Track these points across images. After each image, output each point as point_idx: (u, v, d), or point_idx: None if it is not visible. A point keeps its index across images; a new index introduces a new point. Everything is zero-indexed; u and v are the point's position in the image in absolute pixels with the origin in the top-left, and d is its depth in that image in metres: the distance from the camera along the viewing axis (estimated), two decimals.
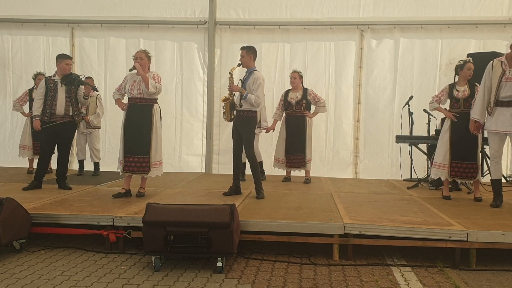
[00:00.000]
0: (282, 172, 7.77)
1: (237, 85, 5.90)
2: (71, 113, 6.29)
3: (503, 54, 6.82)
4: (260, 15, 8.85)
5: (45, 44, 9.28)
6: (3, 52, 9.39)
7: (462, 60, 6.04)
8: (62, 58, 6.30)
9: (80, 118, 6.53)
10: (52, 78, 6.31)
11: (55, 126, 6.20)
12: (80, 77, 6.39)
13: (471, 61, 5.97)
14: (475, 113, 5.49)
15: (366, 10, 8.63)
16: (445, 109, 6.11)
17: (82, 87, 6.37)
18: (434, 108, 6.21)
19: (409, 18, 8.51)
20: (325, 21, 8.68)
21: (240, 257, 4.41)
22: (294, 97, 7.38)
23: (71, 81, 6.23)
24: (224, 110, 5.91)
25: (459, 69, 5.98)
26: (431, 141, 7.08)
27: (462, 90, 5.93)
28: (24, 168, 8.29)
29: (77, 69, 9.23)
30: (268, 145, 8.64)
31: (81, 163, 8.14)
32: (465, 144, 5.91)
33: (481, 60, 6.91)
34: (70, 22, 9.16)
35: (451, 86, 6.05)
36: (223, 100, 5.85)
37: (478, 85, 5.76)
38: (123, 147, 5.76)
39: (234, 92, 5.88)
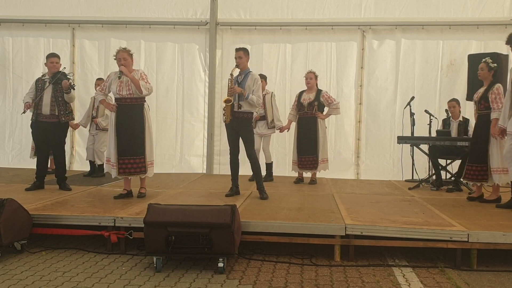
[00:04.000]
0: (292, 173, 7.78)
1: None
2: (56, 113, 6.18)
3: (505, 54, 6.85)
4: (261, 15, 8.84)
5: (45, 44, 9.28)
6: (3, 53, 9.39)
7: None
8: (48, 57, 6.25)
9: (67, 117, 6.32)
10: (42, 78, 6.28)
11: (44, 125, 6.15)
12: (69, 75, 6.24)
13: (487, 60, 5.81)
14: (502, 119, 5.37)
15: (367, 11, 8.62)
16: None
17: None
18: None
19: (410, 19, 8.51)
20: (327, 21, 8.68)
21: (241, 257, 4.41)
22: (307, 98, 7.33)
23: (56, 80, 6.13)
24: (225, 111, 5.86)
25: None
26: (433, 142, 7.08)
27: (478, 92, 5.88)
28: (25, 168, 8.29)
29: (77, 70, 9.25)
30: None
31: (91, 164, 8.08)
32: (476, 147, 5.90)
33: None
34: (71, 23, 9.16)
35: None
36: (225, 102, 5.78)
37: (496, 86, 5.65)
38: (115, 149, 5.61)
39: (234, 94, 5.82)
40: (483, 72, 5.80)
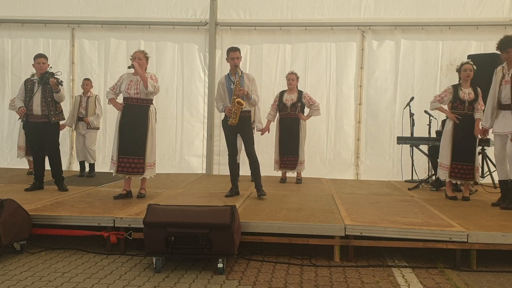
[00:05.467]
0: (279, 173, 7.78)
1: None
2: (47, 113, 6.15)
3: None
4: (261, 16, 8.85)
5: (45, 45, 9.27)
6: (2, 53, 9.38)
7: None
8: (35, 58, 6.22)
9: (57, 118, 6.27)
10: (31, 79, 6.29)
11: (36, 125, 6.13)
12: (56, 75, 6.09)
13: (470, 62, 6.07)
14: (484, 119, 5.65)
15: (367, 11, 8.63)
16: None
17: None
18: (436, 108, 6.25)
19: (410, 19, 8.52)
20: (326, 22, 8.68)
21: (241, 258, 4.41)
22: (289, 99, 7.39)
23: (45, 80, 6.09)
24: (235, 114, 5.73)
25: (459, 71, 6.08)
26: (432, 142, 7.09)
27: (468, 93, 6.00)
28: (24, 169, 8.30)
29: (77, 70, 9.26)
30: (268, 146, 8.63)
31: (81, 164, 8.11)
32: (465, 146, 6.00)
33: (481, 62, 6.93)
34: (71, 23, 9.17)
35: (456, 87, 6.09)
36: (239, 104, 5.65)
37: (479, 88, 5.96)
38: (117, 147, 5.68)
39: (242, 95, 5.74)
40: (472, 73, 6.00)
